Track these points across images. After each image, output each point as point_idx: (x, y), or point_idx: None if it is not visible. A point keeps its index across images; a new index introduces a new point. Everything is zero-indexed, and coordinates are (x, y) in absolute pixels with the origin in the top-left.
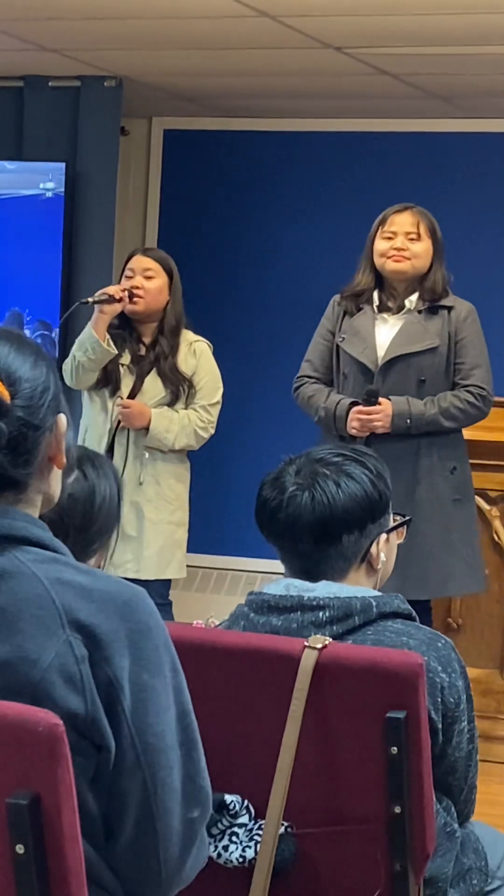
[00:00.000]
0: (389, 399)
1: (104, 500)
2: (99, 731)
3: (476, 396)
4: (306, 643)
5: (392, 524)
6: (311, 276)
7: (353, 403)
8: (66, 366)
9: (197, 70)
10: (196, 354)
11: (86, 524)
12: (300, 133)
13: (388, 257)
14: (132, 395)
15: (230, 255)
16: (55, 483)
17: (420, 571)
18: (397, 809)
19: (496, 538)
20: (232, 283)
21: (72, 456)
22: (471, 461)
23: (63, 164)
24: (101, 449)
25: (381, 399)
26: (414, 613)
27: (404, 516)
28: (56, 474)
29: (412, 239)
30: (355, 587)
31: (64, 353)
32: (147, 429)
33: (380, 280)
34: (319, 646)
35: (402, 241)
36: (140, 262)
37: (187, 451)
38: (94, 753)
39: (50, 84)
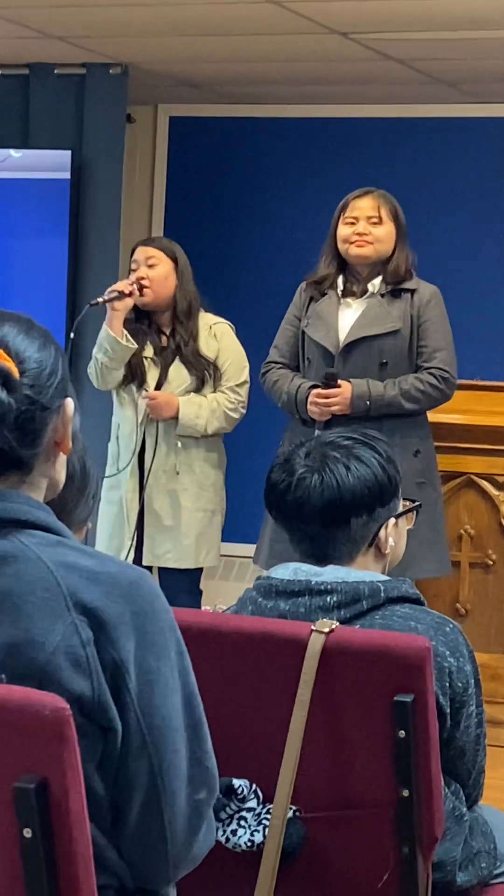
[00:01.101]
0: (350, 381)
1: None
2: (105, 713)
3: (438, 378)
4: (314, 627)
5: (401, 509)
6: (317, 262)
7: (314, 387)
8: (91, 369)
9: (202, 57)
10: (217, 337)
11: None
12: (306, 119)
13: (351, 242)
14: (158, 386)
15: (236, 242)
16: (60, 469)
17: None
18: (405, 793)
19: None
20: (238, 270)
21: (78, 443)
22: (477, 446)
23: (69, 152)
24: (134, 445)
25: (340, 381)
26: (422, 598)
27: (414, 501)
28: (61, 460)
29: (374, 223)
30: (363, 572)
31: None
32: (177, 418)
33: (343, 265)
34: (327, 630)
35: (364, 225)
36: (142, 252)
37: (222, 437)
38: (101, 736)
39: (55, 72)
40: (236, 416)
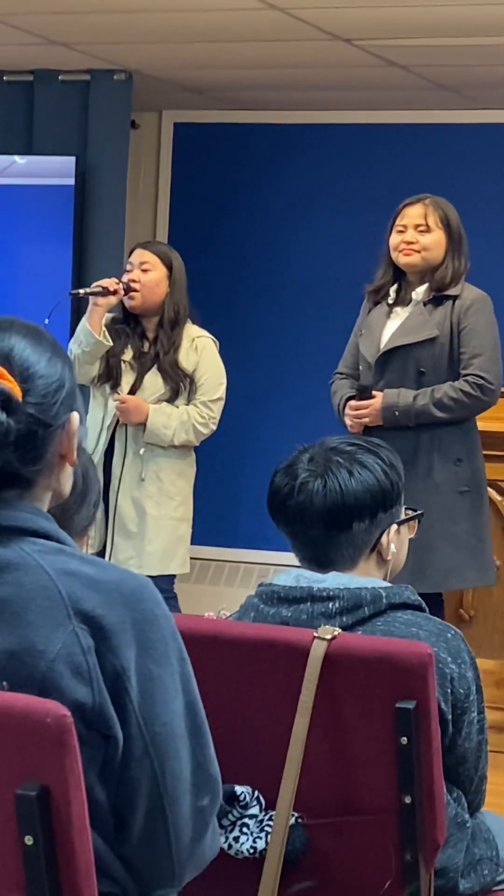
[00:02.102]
0: (382, 392)
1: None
2: (106, 721)
3: (473, 386)
4: (316, 634)
5: (404, 517)
6: (321, 268)
7: (351, 398)
8: None
9: (207, 63)
10: (198, 350)
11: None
12: (310, 125)
13: (400, 251)
14: (132, 392)
15: (240, 248)
16: (65, 480)
17: (418, 564)
18: (407, 800)
19: None
20: (242, 276)
21: (82, 452)
22: (483, 452)
23: (73, 158)
24: (101, 445)
25: (374, 392)
26: (423, 604)
27: (414, 510)
28: (67, 471)
29: (422, 231)
30: (365, 578)
31: None
32: (145, 424)
33: (399, 273)
34: (329, 636)
35: (412, 233)
36: (138, 255)
37: (192, 450)
38: (103, 744)
39: (60, 78)
40: (205, 430)
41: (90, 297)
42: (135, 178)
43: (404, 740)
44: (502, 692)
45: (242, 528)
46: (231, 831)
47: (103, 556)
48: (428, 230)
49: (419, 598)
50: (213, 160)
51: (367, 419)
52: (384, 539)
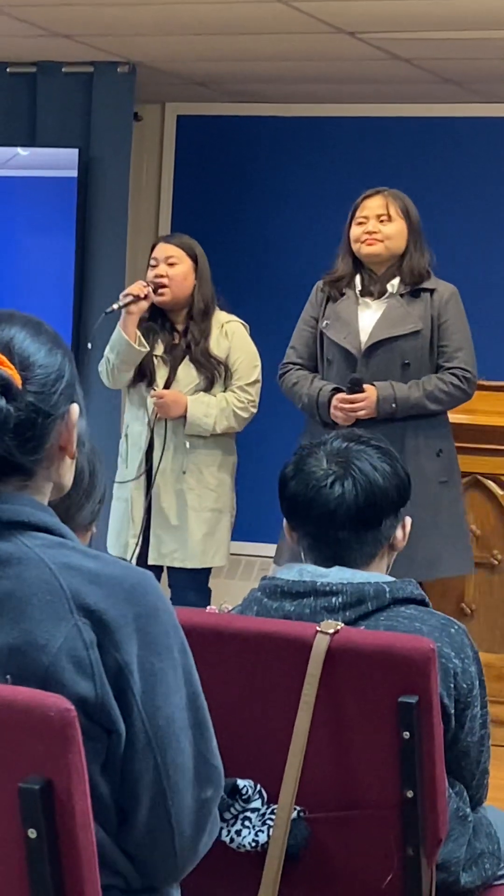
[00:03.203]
0: (374, 385)
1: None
2: (109, 715)
3: (461, 379)
4: (318, 628)
5: None
6: (325, 260)
7: (336, 390)
8: (101, 368)
9: (210, 55)
10: (228, 336)
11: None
12: (313, 118)
13: (362, 241)
14: (167, 385)
15: (243, 241)
16: (65, 472)
17: (407, 554)
18: (409, 794)
19: None
20: (245, 269)
21: (86, 445)
22: (483, 446)
23: (76, 150)
24: (143, 444)
25: (365, 385)
26: (427, 599)
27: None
28: (67, 464)
29: (383, 221)
30: (368, 573)
31: (78, 353)
32: (185, 417)
33: (359, 265)
34: (331, 631)
35: (374, 223)
36: (163, 250)
37: (234, 440)
38: (105, 738)
39: (63, 70)
40: (246, 415)
41: (122, 309)
42: (138, 171)
43: (406, 735)
44: (503, 686)
45: (243, 520)
46: (233, 825)
47: (146, 551)
48: (389, 220)
49: (423, 593)
50: (216, 153)
51: (362, 412)
52: (399, 532)
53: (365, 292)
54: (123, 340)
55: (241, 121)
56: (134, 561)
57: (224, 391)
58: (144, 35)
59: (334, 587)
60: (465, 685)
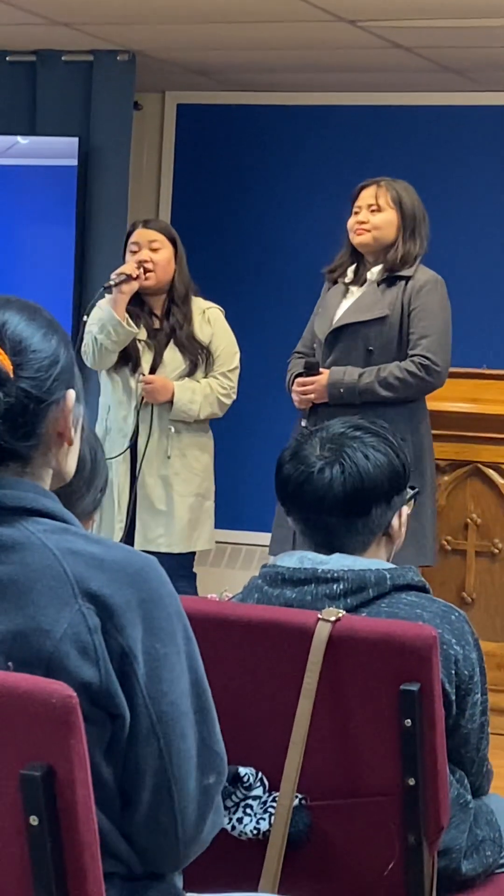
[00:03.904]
0: (329, 370)
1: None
2: (113, 700)
3: (418, 366)
4: (320, 616)
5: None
6: (324, 250)
7: (300, 375)
8: (87, 348)
9: (210, 44)
10: (211, 322)
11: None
12: (313, 107)
13: (353, 231)
14: (153, 370)
15: (243, 230)
16: (65, 459)
17: None
18: (411, 782)
19: None
20: (244, 258)
21: (87, 433)
22: (484, 435)
23: (76, 139)
24: (128, 427)
25: (321, 370)
26: (428, 586)
27: (413, 488)
28: (67, 450)
29: (373, 210)
30: (369, 560)
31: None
32: (171, 402)
33: (358, 255)
34: (333, 618)
35: (365, 213)
36: (144, 234)
37: (209, 423)
38: (109, 723)
39: (63, 59)
40: (228, 401)
41: (115, 288)
42: (138, 160)
43: (408, 722)
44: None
45: (244, 510)
46: (235, 812)
47: (132, 536)
48: (379, 210)
49: (423, 580)
50: (216, 142)
51: (312, 395)
52: (395, 521)
53: (354, 280)
54: (115, 320)
55: (240, 110)
56: None
57: (205, 377)
58: (144, 24)
59: (335, 574)
60: (466, 672)
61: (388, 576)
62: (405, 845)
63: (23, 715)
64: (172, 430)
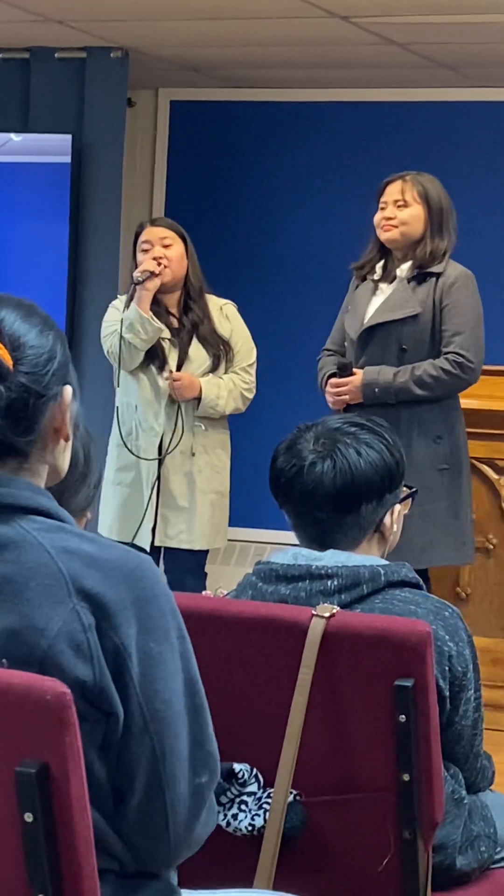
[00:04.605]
0: (363, 370)
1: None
2: (107, 698)
3: (453, 364)
4: (314, 612)
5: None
6: (319, 246)
7: (333, 375)
8: (114, 349)
9: (203, 40)
10: (229, 318)
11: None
12: (307, 103)
13: (381, 227)
14: (179, 367)
15: (237, 226)
16: (61, 456)
17: (401, 538)
18: (406, 777)
19: None
20: (239, 254)
21: (81, 430)
22: (478, 430)
23: (69, 136)
24: (160, 426)
25: (354, 370)
26: (421, 582)
27: (411, 488)
28: (62, 447)
29: (399, 206)
30: (363, 556)
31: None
32: (198, 399)
33: (386, 251)
34: (327, 614)
35: (391, 209)
36: (154, 232)
37: (228, 421)
38: (103, 721)
39: (56, 55)
40: (250, 395)
41: (137, 286)
42: (131, 156)
43: (402, 718)
44: (498, 670)
45: (238, 506)
46: (229, 809)
47: (154, 532)
48: (406, 205)
49: (417, 576)
50: (209, 138)
51: (347, 396)
52: (387, 519)
53: (384, 278)
54: (143, 318)
55: (234, 106)
56: (148, 544)
57: (225, 372)
58: (137, 20)
59: (329, 570)
60: (459, 668)
61: (381, 572)
62: (400, 841)
63: (17, 712)
64: (202, 427)
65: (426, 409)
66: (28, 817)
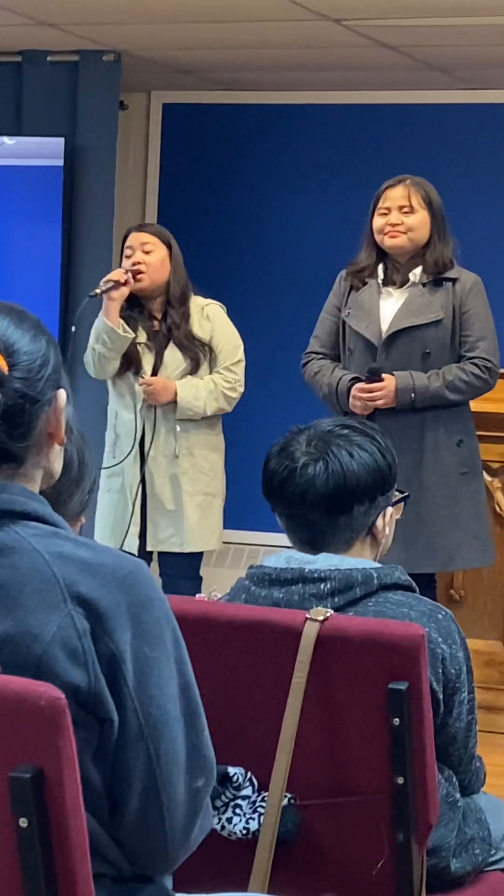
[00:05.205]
0: (393, 374)
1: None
2: (102, 704)
3: (482, 369)
4: (308, 615)
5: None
6: (311, 249)
7: (355, 379)
8: (87, 359)
9: (195, 43)
10: (210, 318)
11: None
12: (299, 106)
13: (385, 233)
14: (154, 372)
15: (230, 229)
16: (55, 459)
17: (427, 545)
18: (400, 780)
19: (498, 509)
20: (232, 257)
21: (75, 434)
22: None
23: (62, 139)
24: (135, 431)
25: (384, 375)
26: (414, 585)
27: (403, 492)
28: (56, 451)
29: (405, 212)
30: (356, 559)
31: (65, 341)
32: (175, 402)
33: (382, 255)
34: (321, 618)
35: (397, 215)
36: (137, 238)
37: (220, 421)
38: (97, 726)
39: (48, 59)
40: (234, 395)
41: (104, 295)
42: (124, 159)
43: (396, 721)
44: (492, 672)
45: (232, 508)
46: (224, 812)
47: (144, 537)
48: (412, 211)
49: (409, 579)
50: (201, 141)
51: (381, 402)
52: (379, 522)
53: (387, 282)
54: (108, 328)
55: (226, 109)
56: (136, 549)
57: (209, 373)
58: (130, 23)
59: (322, 573)
60: (453, 671)
61: (374, 575)
62: (394, 844)
63: (12, 717)
64: (178, 428)
65: (447, 413)
66: (23, 822)
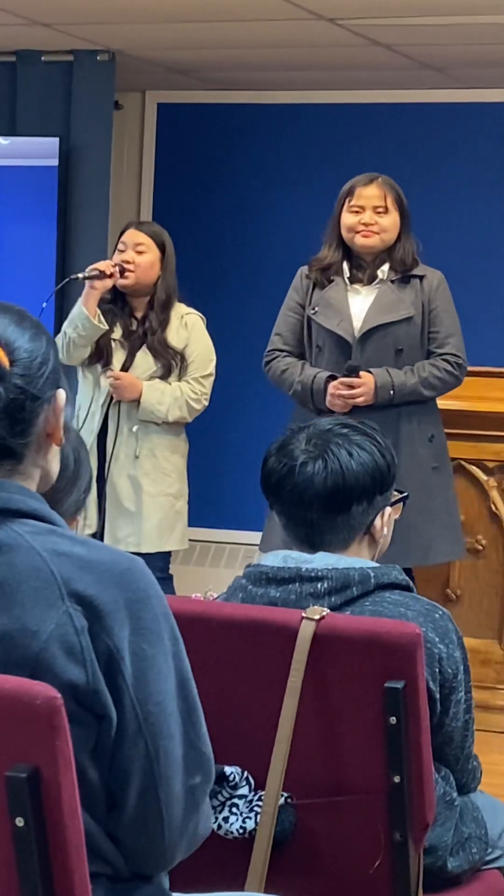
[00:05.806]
0: (370, 372)
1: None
2: (100, 701)
3: (453, 365)
4: (304, 614)
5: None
6: (307, 248)
7: (331, 377)
8: (58, 341)
9: (190, 43)
10: (188, 327)
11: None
12: (294, 105)
13: (357, 232)
14: (124, 370)
15: (225, 229)
16: (53, 460)
17: (402, 539)
18: (397, 779)
19: (493, 508)
20: (227, 257)
21: (72, 434)
22: (467, 432)
23: (57, 139)
24: (95, 424)
25: (361, 373)
26: (411, 584)
27: (401, 492)
28: (54, 451)
29: (380, 212)
30: (353, 558)
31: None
32: (139, 401)
33: (348, 251)
34: (317, 617)
35: (370, 215)
36: (133, 236)
37: (183, 424)
38: (95, 724)
39: (43, 59)
40: (198, 406)
41: (86, 281)
42: (118, 159)
43: (393, 720)
44: (489, 671)
45: (228, 508)
46: (220, 811)
47: (102, 536)
48: (386, 211)
49: (407, 578)
50: (196, 141)
51: (360, 399)
52: (378, 521)
53: (353, 279)
54: (84, 315)
55: (221, 108)
56: None
57: (179, 381)
58: (124, 23)
59: (319, 573)
60: (449, 670)
61: (371, 574)
62: (391, 843)
63: (7, 716)
64: (140, 429)
65: (418, 409)
66: (19, 822)
